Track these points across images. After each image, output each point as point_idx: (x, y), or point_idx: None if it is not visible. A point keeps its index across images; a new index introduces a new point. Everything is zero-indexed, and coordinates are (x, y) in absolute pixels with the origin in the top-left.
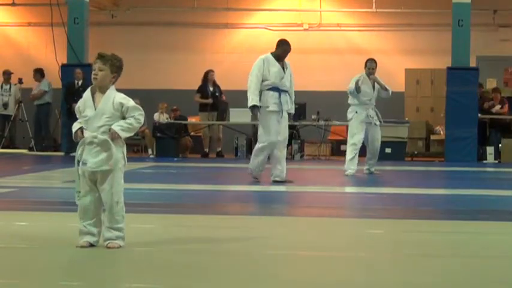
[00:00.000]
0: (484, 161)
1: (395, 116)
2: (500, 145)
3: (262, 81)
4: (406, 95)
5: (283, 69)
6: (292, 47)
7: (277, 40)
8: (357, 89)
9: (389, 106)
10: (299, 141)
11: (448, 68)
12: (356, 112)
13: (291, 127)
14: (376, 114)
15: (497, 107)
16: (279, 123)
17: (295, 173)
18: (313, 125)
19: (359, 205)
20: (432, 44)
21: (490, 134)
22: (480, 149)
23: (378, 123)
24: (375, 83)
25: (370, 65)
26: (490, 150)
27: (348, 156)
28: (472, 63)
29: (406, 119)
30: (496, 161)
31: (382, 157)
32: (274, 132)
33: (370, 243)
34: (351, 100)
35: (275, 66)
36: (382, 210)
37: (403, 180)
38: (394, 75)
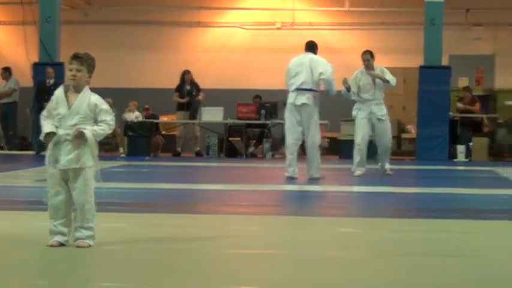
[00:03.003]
0: (455, 160)
1: None
2: (471, 144)
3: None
4: None
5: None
6: (264, 46)
7: (251, 38)
8: (347, 89)
9: None
10: (270, 140)
11: (421, 67)
12: (359, 109)
13: (262, 126)
14: (383, 109)
15: (462, 105)
16: None
17: (266, 171)
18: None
19: (331, 204)
20: (405, 43)
21: (461, 133)
22: (451, 148)
23: (384, 118)
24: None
25: (365, 57)
26: (461, 148)
27: (354, 158)
28: (445, 62)
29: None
30: (467, 160)
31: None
32: None
33: (342, 242)
34: (355, 97)
35: None
36: (355, 208)
37: (373, 179)
38: None
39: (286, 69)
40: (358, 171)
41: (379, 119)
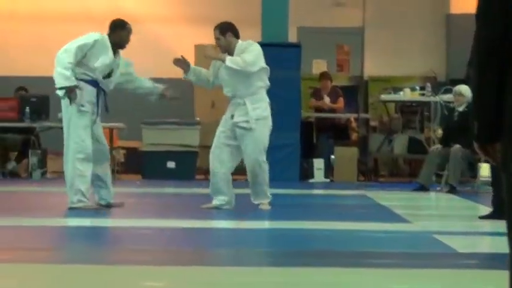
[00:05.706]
0: (311, 180)
1: (181, 115)
2: (332, 157)
3: None
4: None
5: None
6: (30, 13)
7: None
8: (185, 71)
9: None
10: (39, 151)
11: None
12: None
13: (26, 131)
14: (247, 112)
15: (326, 100)
16: None
17: (33, 198)
18: (60, 128)
19: (130, 245)
20: (235, 12)
21: (318, 141)
22: (305, 163)
23: (246, 125)
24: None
25: (214, 35)
26: (318, 164)
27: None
28: (292, 38)
29: (197, 119)
30: (328, 180)
31: (165, 175)
32: None
33: None
34: (210, 86)
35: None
36: (164, 252)
37: (192, 210)
38: (179, 52)
39: None
40: (215, 202)
41: (239, 127)
